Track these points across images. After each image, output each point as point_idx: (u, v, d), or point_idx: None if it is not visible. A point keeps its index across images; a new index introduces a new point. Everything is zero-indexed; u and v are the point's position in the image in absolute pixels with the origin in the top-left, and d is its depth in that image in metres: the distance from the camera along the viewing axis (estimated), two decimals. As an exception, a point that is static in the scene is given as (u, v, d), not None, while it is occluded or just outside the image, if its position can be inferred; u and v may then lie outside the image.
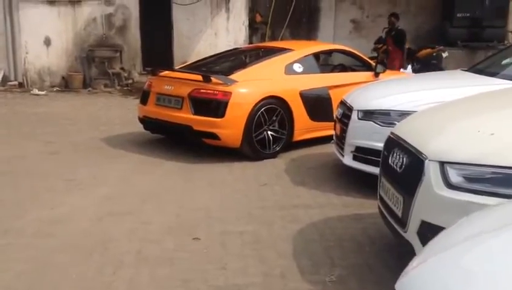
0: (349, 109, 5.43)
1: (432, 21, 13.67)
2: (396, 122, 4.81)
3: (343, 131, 5.43)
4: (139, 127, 7.30)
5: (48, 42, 12.22)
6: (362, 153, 5.21)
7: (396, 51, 11.53)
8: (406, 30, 11.97)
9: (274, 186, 5.54)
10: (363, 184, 5.39)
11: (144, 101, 7.09)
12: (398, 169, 3.35)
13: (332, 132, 6.98)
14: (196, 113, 6.34)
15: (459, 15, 12.65)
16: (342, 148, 5.49)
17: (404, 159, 3.30)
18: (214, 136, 6.27)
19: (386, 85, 5.91)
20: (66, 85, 12.29)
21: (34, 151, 6.82)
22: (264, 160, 6.47)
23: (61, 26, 12.21)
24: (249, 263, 3.79)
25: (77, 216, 4.65)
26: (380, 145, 4.90)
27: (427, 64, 12.06)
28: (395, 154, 3.45)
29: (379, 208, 3.87)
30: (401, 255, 3.82)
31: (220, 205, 4.95)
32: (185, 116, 6.39)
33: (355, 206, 4.90)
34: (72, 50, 12.34)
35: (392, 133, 3.74)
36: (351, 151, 5.33)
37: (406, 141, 3.39)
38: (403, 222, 3.22)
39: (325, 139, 6.99)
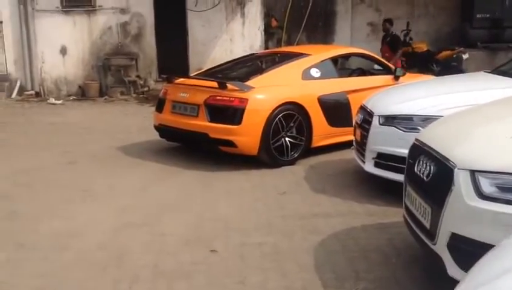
0: (370, 114, 5.27)
1: (452, 22, 13.45)
2: (419, 128, 4.70)
3: (364, 137, 5.28)
4: (156, 135, 7.22)
5: (64, 51, 12.24)
6: (384, 160, 5.05)
7: (393, 57, 11.22)
8: (426, 31, 11.84)
9: (293, 194, 5.40)
10: (386, 191, 5.23)
11: (159, 108, 7.00)
12: (425, 178, 3.20)
13: (351, 138, 6.85)
14: (212, 120, 6.23)
15: (478, 16, 12.42)
16: (363, 155, 5.33)
17: (432, 167, 3.15)
18: (230, 143, 6.15)
19: (408, 89, 5.74)
20: (82, 94, 12.29)
21: (51, 162, 6.77)
22: (282, 167, 6.33)
23: (77, 35, 12.23)
24: (269, 276, 3.66)
25: (93, 228, 4.56)
26: (403, 151, 4.78)
27: (447, 67, 11.84)
28: (421, 162, 3.30)
29: (404, 217, 3.71)
30: (428, 267, 3.67)
31: (239, 215, 4.82)
32: (201, 123, 6.28)
33: (378, 215, 4.74)
34: (88, 59, 12.34)
35: (417, 139, 3.59)
36: (373, 158, 5.17)
37: (433, 148, 3.24)
38: (432, 234, 3.07)
39: (344, 145, 6.86)
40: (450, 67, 11.84)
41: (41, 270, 3.80)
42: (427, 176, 3.17)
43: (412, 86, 5.93)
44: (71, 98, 12.15)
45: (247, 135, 6.12)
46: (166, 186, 5.72)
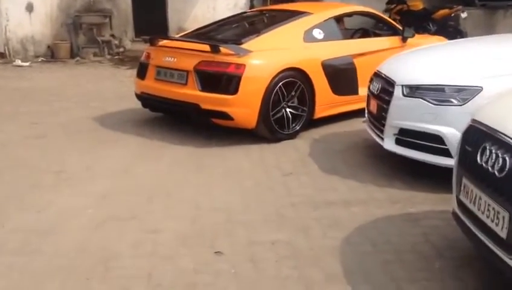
0: (390, 83, 4.55)
1: (447, -22, 12.64)
2: (452, 100, 4.03)
3: (383, 110, 4.57)
4: (136, 103, 6.39)
5: (30, 8, 11.13)
6: (408, 137, 4.36)
7: None
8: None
9: (300, 175, 4.70)
10: (407, 171, 4.59)
11: (141, 75, 6.15)
12: (496, 173, 2.51)
13: (356, 107, 6.20)
14: (204, 89, 5.44)
15: (477, -29, 11.65)
16: (381, 130, 4.63)
17: (507, 159, 2.46)
18: (225, 115, 5.39)
19: (432, 53, 5.00)
20: (51, 55, 11.28)
21: (16, 136, 5.92)
22: (283, 141, 5.62)
23: (44, -10, 11.11)
24: (291, 289, 2.98)
25: (69, 223, 3.80)
26: (431, 127, 4.15)
27: (444, 26, 11.15)
28: (487, 151, 2.61)
29: (455, 214, 3.05)
30: (481, 273, 3.05)
31: (242, 203, 4.11)
32: (191, 92, 5.49)
33: (404, 202, 4.08)
34: (57, 16, 11.28)
35: (475, 120, 2.89)
36: (394, 134, 4.47)
37: (506, 133, 2.54)
38: (509, 245, 2.41)
39: (347, 115, 6.20)
40: (447, 27, 11.17)
41: (5, 283, 3.06)
42: (501, 171, 2.49)
43: (437, 50, 5.18)
44: (39, 59, 11.13)
45: (244, 106, 5.36)
46: (152, 166, 4.96)
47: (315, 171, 4.81)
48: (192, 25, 10.33)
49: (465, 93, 4.02)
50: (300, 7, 6.80)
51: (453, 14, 11.09)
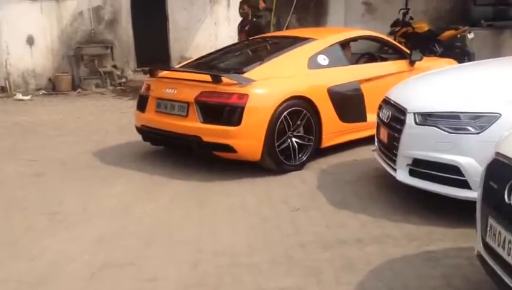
0: (401, 110, 4.31)
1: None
2: (469, 128, 3.77)
3: (394, 139, 4.32)
4: (137, 135, 6.17)
5: (31, 41, 11.03)
6: (423, 167, 4.09)
7: None
8: (424, 9, 10.83)
9: (309, 210, 4.44)
10: (423, 204, 4.32)
11: (141, 107, 5.95)
12: (528, 214, 2.25)
13: (364, 135, 5.97)
14: (205, 121, 5.22)
15: (483, -9, 11.49)
16: (393, 161, 4.37)
17: (541, 200, 2.20)
18: (228, 148, 5.15)
19: (444, 77, 4.77)
20: (53, 88, 11.15)
21: (13, 173, 5.71)
22: (289, 173, 5.37)
23: (44, 23, 11.02)
24: None
25: (63, 271, 3.54)
26: (447, 157, 3.88)
27: (450, 48, 10.94)
28: (517, 189, 2.35)
29: (480, 257, 2.77)
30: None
31: (248, 244, 3.84)
32: (192, 125, 5.27)
33: (421, 240, 3.80)
34: (58, 49, 11.17)
35: (499, 154, 2.63)
36: (407, 165, 4.21)
37: (537, 171, 2.29)
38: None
39: (355, 143, 5.95)
40: (454, 48, 10.96)
41: None
42: (534, 212, 2.22)
43: (449, 74, 4.95)
44: (40, 92, 10.99)
45: (248, 138, 5.12)
46: (152, 204, 4.71)
47: (324, 205, 4.54)
48: (194, 54, 10.23)
49: (482, 121, 3.77)
50: (303, 33, 6.62)
51: (459, 35, 10.88)
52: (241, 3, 8.79)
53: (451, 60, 7.26)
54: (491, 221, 2.56)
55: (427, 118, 4.06)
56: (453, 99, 4.04)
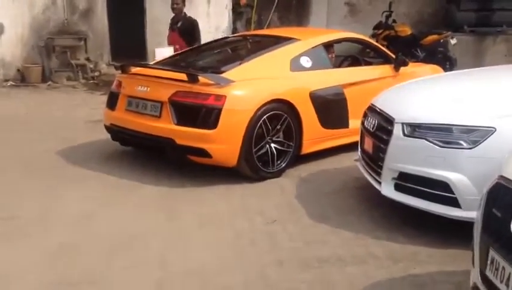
0: (388, 120, 4.04)
1: (434, 3, 12.36)
2: (462, 142, 3.51)
3: (380, 150, 4.04)
4: (107, 134, 5.80)
5: (0, 29, 10.51)
6: (410, 182, 3.83)
7: (183, 45, 7.19)
8: (407, 12, 10.55)
9: (287, 223, 4.14)
10: (408, 221, 4.06)
11: (111, 104, 5.59)
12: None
13: (346, 142, 5.71)
14: (180, 122, 4.89)
15: (467, -4, 11.34)
16: (378, 173, 4.10)
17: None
18: (203, 152, 4.83)
19: (436, 86, 4.52)
20: (22, 79, 10.62)
21: (-30, 172, 5.29)
22: (267, 181, 5.07)
23: (15, 10, 10.50)
24: None
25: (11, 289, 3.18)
26: (438, 173, 3.62)
27: (432, 52, 10.77)
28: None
29: (476, 289, 2.50)
30: None
31: (220, 261, 3.53)
32: (165, 126, 4.93)
33: (407, 260, 3.53)
34: (29, 38, 10.66)
35: (503, 177, 2.37)
36: (393, 178, 3.94)
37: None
38: None
39: (335, 150, 5.69)
40: (436, 53, 10.80)
41: None
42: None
43: (440, 82, 4.70)
44: (8, 83, 10.48)
45: (224, 142, 4.81)
46: (118, 211, 4.36)
47: (303, 218, 4.25)
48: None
49: (476, 135, 3.52)
50: (286, 33, 6.30)
51: (442, 40, 10.71)
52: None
53: (436, 66, 7.04)
54: (492, 253, 2.30)
55: (416, 130, 3.79)
56: (445, 110, 3.78)
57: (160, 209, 4.41)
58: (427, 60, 9.79)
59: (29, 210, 4.36)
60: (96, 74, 10.81)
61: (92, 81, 10.69)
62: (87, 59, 10.90)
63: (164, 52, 6.93)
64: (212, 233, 3.97)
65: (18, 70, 10.64)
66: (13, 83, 10.50)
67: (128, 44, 10.89)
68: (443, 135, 3.64)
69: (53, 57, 10.79)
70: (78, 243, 3.78)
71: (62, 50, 10.74)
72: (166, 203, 4.53)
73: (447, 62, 10.41)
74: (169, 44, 7.41)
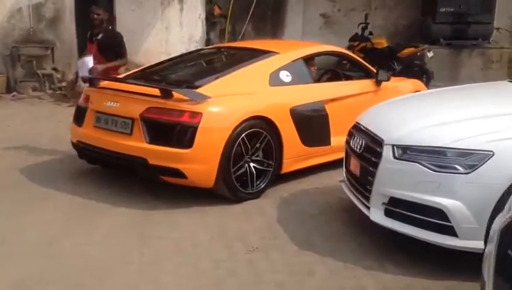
0: (376, 141, 3.80)
1: (410, 16, 12.29)
2: (457, 167, 3.27)
3: (368, 173, 3.79)
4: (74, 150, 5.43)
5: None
6: (401, 208, 3.58)
7: (106, 67, 6.02)
8: (382, 24, 10.40)
9: (269, 251, 3.84)
10: (398, 248, 3.82)
11: (78, 120, 5.24)
12: None
13: (327, 160, 5.48)
14: (152, 141, 4.56)
15: (442, 9, 11.27)
16: (366, 198, 3.85)
17: None
18: (177, 173, 4.50)
19: (426, 104, 4.29)
20: (-15, 89, 10.12)
21: None
22: (246, 202, 4.78)
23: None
24: None
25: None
26: (432, 199, 3.38)
27: (409, 65, 10.66)
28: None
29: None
30: None
31: (197, 297, 3.21)
32: (137, 145, 4.60)
33: (401, 294, 3.28)
34: (-7, 46, 10.17)
35: (518, 215, 2.12)
36: (383, 204, 3.69)
37: None
38: None
39: (316, 168, 5.44)
40: (413, 66, 10.69)
41: None
42: None
43: (431, 100, 4.47)
44: (13, 94, 9.96)
45: (200, 162, 4.49)
46: (84, 237, 4.00)
47: (286, 245, 3.96)
48: (143, 59, 9.48)
49: (473, 159, 3.29)
50: (264, 45, 6.03)
51: (419, 53, 10.61)
52: (94, 7, 6.37)
53: (417, 81, 6.88)
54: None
55: (407, 152, 3.55)
56: (439, 131, 3.55)
57: (131, 235, 4.06)
58: (404, 72, 9.67)
59: (-14, 237, 3.97)
60: (64, 84, 10.35)
61: (59, 92, 10.23)
62: (54, 69, 10.44)
63: (89, 62, 6.29)
64: (188, 262, 3.64)
65: (-19, 80, 10.13)
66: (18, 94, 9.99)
67: (98, 54, 10.49)
68: (437, 158, 3.40)
69: (18, 67, 10.29)
70: (39, 275, 3.42)
71: (28, 59, 10.26)
72: (138, 228, 4.19)
73: (423, 75, 10.30)
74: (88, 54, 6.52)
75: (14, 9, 10.16)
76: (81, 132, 5.13)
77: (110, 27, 6.46)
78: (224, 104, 4.68)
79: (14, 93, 10.08)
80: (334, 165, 5.48)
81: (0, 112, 8.76)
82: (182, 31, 10.84)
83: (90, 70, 5.97)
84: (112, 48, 6.14)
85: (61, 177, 5.35)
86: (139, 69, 5.99)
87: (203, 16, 11.00)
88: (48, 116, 8.50)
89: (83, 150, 5.16)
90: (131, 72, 5.94)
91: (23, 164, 5.76)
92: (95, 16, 6.22)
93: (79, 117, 5.22)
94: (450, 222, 3.33)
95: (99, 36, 6.20)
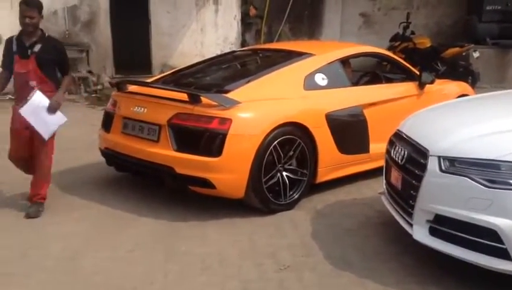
0: (421, 152, 3.46)
1: (454, 14, 11.82)
2: (513, 182, 2.90)
3: (411, 187, 3.46)
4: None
5: (0, 42, 10.06)
6: (448, 227, 3.24)
7: (46, 81, 4.49)
8: (425, 23, 10.03)
9: (302, 271, 3.55)
10: (442, 268, 3.47)
11: (106, 126, 5.07)
12: None
13: (365, 167, 5.17)
14: (180, 149, 4.33)
15: (488, 8, 10.75)
16: (409, 214, 3.51)
17: None
18: (206, 183, 4.26)
19: (478, 111, 3.91)
20: (21, 92, 10.14)
21: None
22: (278, 214, 4.50)
23: (14, 21, 9.96)
24: None
25: None
26: (484, 218, 3.02)
27: (453, 66, 10.20)
28: None
29: None
30: None
31: (222, 323, 2.96)
32: (164, 152, 4.38)
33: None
34: (29, 50, 10.19)
35: None
36: (427, 221, 3.35)
37: None
38: None
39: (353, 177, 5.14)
40: (457, 67, 10.23)
41: None
42: None
43: (483, 106, 4.07)
44: (7, 97, 9.97)
45: (229, 171, 4.24)
46: (108, 253, 3.80)
47: (321, 263, 3.66)
48: (178, 62, 9.40)
49: (532, 173, 2.93)
50: (300, 47, 5.74)
51: (464, 53, 10.14)
52: (25, 8, 4.41)
53: (463, 83, 6.46)
54: None
55: (456, 165, 3.21)
56: (492, 141, 3.19)
57: (157, 249, 3.84)
58: (448, 74, 9.24)
59: (8, 250, 3.82)
60: (99, 87, 10.31)
61: (94, 95, 10.19)
62: (89, 72, 10.42)
63: (41, 102, 4.40)
64: (215, 282, 3.39)
65: (18, 83, 10.16)
66: (12, 97, 9.97)
67: (133, 57, 10.46)
68: (490, 172, 3.05)
69: (54, 70, 10.31)
70: (57, 295, 3.22)
71: (63, 62, 10.26)
72: (164, 241, 3.97)
73: (469, 76, 9.84)
74: (15, 78, 4.56)
75: (50, 12, 10.14)
76: (108, 138, 4.96)
77: (47, 34, 4.56)
78: (255, 109, 4.42)
79: (50, 96, 10.07)
80: (373, 174, 5.18)
81: (35, 115, 8.72)
82: (217, 33, 10.68)
83: (52, 108, 4.41)
84: (56, 63, 4.56)
85: (88, 185, 5.20)
86: (169, 72, 5.79)
87: (239, 16, 10.82)
88: (81, 120, 8.40)
89: (111, 157, 4.99)
90: (160, 75, 5.74)
91: (52, 170, 5.62)
92: (27, 19, 4.38)
93: (107, 123, 5.05)
94: (503, 244, 2.98)
95: (37, 48, 4.43)
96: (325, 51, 5.40)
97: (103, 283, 3.38)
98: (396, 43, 10.70)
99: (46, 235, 4.08)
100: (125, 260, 3.70)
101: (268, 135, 4.34)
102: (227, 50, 9.56)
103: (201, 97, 4.33)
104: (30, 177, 4.76)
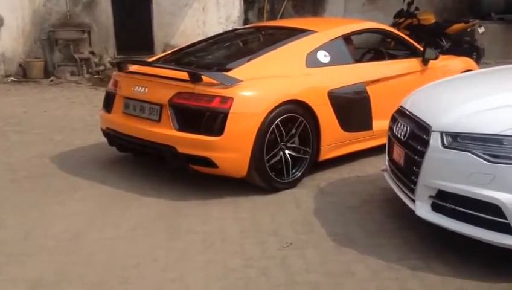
0: (423, 127, 3.43)
1: (460, -11, 11.64)
2: (515, 157, 2.87)
3: (414, 163, 3.43)
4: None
5: (0, 22, 10.02)
6: (450, 202, 3.22)
7: None
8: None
9: (305, 248, 3.55)
10: (446, 245, 3.46)
11: (107, 106, 5.05)
12: None
13: (368, 145, 5.14)
14: (181, 128, 4.31)
15: (494, -18, 10.60)
16: (411, 190, 3.50)
17: None
18: (207, 162, 4.25)
19: (479, 85, 3.87)
20: (24, 74, 10.14)
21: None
22: (281, 192, 4.49)
23: (15, 2, 10.00)
24: None
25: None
26: (486, 193, 3.01)
27: (458, 42, 10.09)
28: None
29: None
30: None
31: (224, 300, 2.97)
32: (165, 132, 4.36)
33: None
34: (30, 31, 10.17)
35: None
36: (430, 197, 3.34)
37: None
38: None
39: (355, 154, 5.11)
40: (462, 43, 10.13)
41: None
42: None
43: (485, 81, 4.03)
44: (9, 79, 10.00)
45: (231, 150, 4.22)
46: (111, 231, 3.81)
47: (323, 240, 3.66)
48: (180, 41, 9.35)
49: (534, 148, 2.90)
50: (301, 24, 5.67)
51: (469, 29, 10.02)
52: None
53: (468, 59, 6.39)
54: None
55: (458, 140, 3.18)
56: (494, 116, 3.15)
57: (159, 228, 3.85)
58: (453, 50, 9.14)
59: (11, 230, 3.84)
60: (101, 68, 10.28)
61: (96, 76, 10.17)
62: (92, 53, 10.38)
63: None
64: (217, 259, 3.39)
65: (20, 65, 10.16)
66: (14, 79, 10.01)
67: (135, 36, 10.40)
68: (493, 147, 3.02)
69: (56, 51, 10.29)
70: (61, 275, 3.23)
71: (65, 43, 10.24)
72: (167, 220, 3.97)
73: (474, 52, 9.76)
74: None
75: (51, -7, 10.10)
76: (110, 119, 4.94)
77: None
78: (257, 87, 4.39)
79: (52, 78, 10.08)
80: (376, 151, 5.15)
81: (38, 97, 8.74)
82: (219, 12, 10.59)
83: None
84: None
85: (91, 165, 5.20)
86: (170, 51, 5.75)
87: (241, -5, 10.71)
88: (84, 101, 8.41)
89: (113, 137, 4.98)
90: (161, 55, 5.70)
91: (54, 151, 5.65)
92: None
93: (108, 103, 5.03)
94: (506, 219, 2.96)
95: None
96: (327, 28, 5.33)
97: (106, 261, 3.39)
98: (401, 20, 10.59)
99: (49, 216, 4.08)
100: (128, 239, 3.71)
101: (270, 113, 4.31)
102: (229, 29, 9.49)
103: (202, 76, 4.30)
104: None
